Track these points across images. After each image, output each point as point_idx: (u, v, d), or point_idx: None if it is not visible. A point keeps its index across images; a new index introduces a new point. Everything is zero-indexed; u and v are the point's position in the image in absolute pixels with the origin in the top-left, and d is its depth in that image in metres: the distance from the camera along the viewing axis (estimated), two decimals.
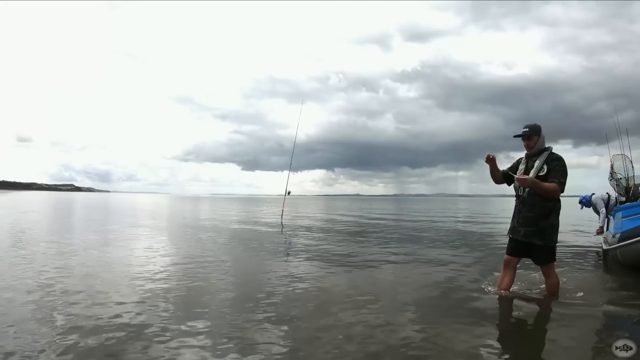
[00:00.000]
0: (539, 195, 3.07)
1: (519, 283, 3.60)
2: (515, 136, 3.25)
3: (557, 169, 3.05)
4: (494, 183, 3.39)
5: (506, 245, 3.41)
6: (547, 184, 3.02)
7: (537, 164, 3.13)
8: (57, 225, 10.96)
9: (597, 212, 6.49)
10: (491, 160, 3.24)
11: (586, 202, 6.66)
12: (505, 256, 3.37)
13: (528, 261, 3.40)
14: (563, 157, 3.09)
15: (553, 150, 3.19)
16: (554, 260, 3.23)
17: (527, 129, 3.18)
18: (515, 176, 3.12)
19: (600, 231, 6.44)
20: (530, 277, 3.91)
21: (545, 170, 3.07)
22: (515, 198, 3.31)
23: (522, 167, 3.27)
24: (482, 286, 3.68)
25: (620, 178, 6.17)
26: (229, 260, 5.41)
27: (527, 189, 3.14)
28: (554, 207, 3.13)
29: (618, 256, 4.74)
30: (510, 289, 3.39)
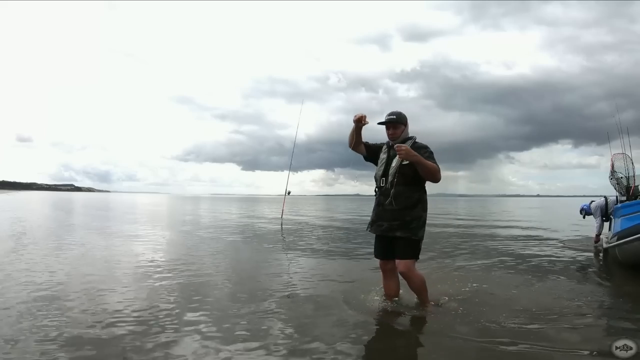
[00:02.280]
0: (404, 184, 2.77)
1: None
2: (380, 123, 2.90)
3: (428, 156, 2.72)
4: (356, 152, 2.96)
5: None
6: (431, 162, 2.69)
7: None
8: (57, 224, 10.95)
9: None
10: (359, 122, 2.80)
11: (587, 210, 6.77)
12: (379, 260, 2.99)
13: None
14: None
15: (417, 140, 2.86)
16: (417, 257, 2.84)
17: (394, 117, 2.85)
18: (396, 145, 2.67)
19: (597, 240, 6.54)
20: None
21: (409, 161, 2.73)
22: (376, 190, 2.93)
23: (383, 155, 2.94)
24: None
25: (621, 177, 6.21)
26: (227, 259, 5.41)
27: (389, 179, 2.80)
28: (420, 198, 2.83)
29: (617, 255, 4.76)
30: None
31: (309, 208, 26.41)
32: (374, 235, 2.97)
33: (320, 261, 5.40)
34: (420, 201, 2.82)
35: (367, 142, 3.01)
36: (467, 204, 43.46)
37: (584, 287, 3.86)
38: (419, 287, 2.88)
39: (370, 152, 3.00)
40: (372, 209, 3.00)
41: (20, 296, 3.26)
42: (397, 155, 2.71)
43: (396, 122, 2.86)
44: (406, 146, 2.65)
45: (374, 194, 2.96)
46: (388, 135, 2.92)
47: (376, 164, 2.99)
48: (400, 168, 2.78)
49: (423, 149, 2.77)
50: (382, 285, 3.12)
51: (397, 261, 2.82)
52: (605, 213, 6.46)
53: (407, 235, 2.75)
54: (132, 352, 2.19)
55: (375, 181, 2.95)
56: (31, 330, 2.47)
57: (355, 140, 2.92)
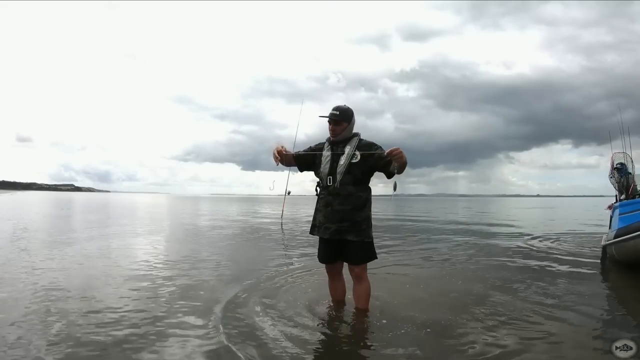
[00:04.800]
0: (353, 184, 2.69)
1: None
2: (322, 116, 2.80)
3: (382, 151, 2.61)
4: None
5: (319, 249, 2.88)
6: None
7: (347, 150, 2.73)
8: (57, 224, 10.96)
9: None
10: (281, 155, 2.78)
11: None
12: (325, 265, 2.92)
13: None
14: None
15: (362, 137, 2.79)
16: (374, 257, 2.78)
17: (337, 113, 2.74)
18: (386, 151, 2.51)
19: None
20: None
21: (359, 157, 2.68)
22: (319, 190, 2.84)
23: (327, 153, 2.81)
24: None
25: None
26: (227, 259, 5.40)
27: (338, 178, 2.71)
28: (368, 197, 2.78)
29: (614, 253, 4.77)
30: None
31: (308, 208, 26.40)
32: (317, 238, 2.87)
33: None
34: (367, 201, 2.77)
35: (298, 152, 2.93)
36: (466, 204, 43.48)
37: (582, 286, 3.85)
38: (367, 292, 2.84)
39: (305, 163, 2.91)
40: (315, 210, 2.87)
41: (19, 296, 3.27)
42: (391, 159, 2.48)
43: (338, 119, 2.74)
44: (400, 149, 2.47)
45: (316, 193, 2.85)
46: (329, 130, 2.80)
47: (313, 170, 2.89)
48: (349, 167, 2.69)
49: (375, 146, 2.70)
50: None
51: (353, 269, 2.77)
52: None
53: (360, 238, 2.68)
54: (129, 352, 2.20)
55: (321, 180, 2.82)
56: (32, 331, 2.48)
57: (285, 163, 2.89)
